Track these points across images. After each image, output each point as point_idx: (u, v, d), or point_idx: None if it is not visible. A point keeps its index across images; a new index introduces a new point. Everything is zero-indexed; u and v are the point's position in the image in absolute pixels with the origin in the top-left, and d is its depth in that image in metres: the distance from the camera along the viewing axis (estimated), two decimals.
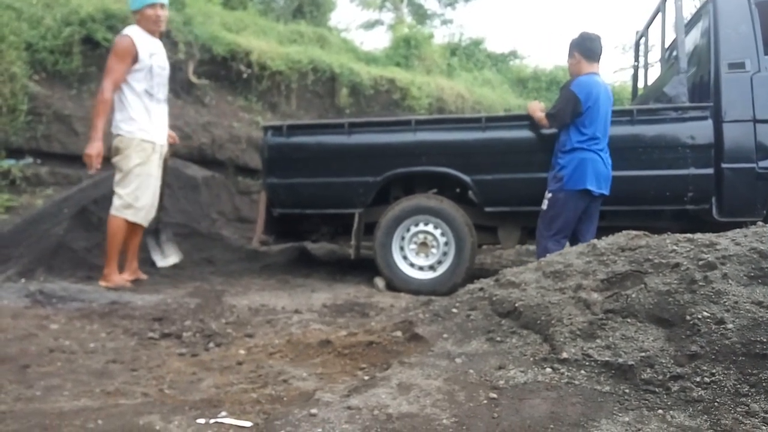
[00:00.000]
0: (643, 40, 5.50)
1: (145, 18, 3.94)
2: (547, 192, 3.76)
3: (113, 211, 3.88)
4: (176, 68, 6.14)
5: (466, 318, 2.23)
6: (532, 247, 5.98)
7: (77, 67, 6.38)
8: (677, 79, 4.13)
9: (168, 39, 6.68)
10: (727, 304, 1.71)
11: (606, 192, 3.72)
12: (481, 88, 10.93)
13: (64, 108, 6.14)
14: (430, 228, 4.26)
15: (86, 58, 6.46)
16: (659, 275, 1.92)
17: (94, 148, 3.74)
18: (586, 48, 3.82)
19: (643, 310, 1.82)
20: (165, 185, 4.37)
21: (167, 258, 4.45)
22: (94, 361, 2.28)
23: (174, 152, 4.28)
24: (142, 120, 3.92)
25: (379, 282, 4.33)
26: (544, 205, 3.76)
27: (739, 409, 1.47)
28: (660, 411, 1.52)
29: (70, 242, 4.24)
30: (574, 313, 1.93)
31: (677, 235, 2.19)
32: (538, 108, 3.97)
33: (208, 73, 7.50)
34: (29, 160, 6.01)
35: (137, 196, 3.91)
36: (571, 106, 3.68)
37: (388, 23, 17.89)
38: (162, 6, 3.97)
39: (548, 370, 1.76)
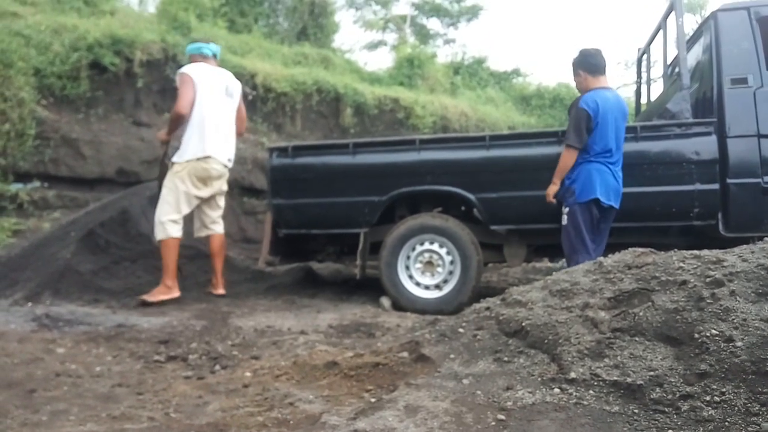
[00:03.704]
0: (645, 56, 5.52)
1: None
2: (564, 207, 3.76)
3: (222, 230, 4.54)
4: None
5: (472, 338, 2.21)
6: (539, 265, 5.99)
7: (85, 92, 6.46)
8: (680, 96, 4.13)
9: (174, 63, 6.76)
10: (735, 321, 1.70)
11: (616, 205, 3.70)
12: (484, 106, 10.97)
13: (71, 132, 6.21)
14: (435, 247, 4.25)
15: (93, 83, 6.54)
16: (666, 293, 1.91)
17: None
18: (589, 64, 3.83)
19: (650, 329, 1.81)
20: None
21: None
22: (100, 385, 2.27)
23: None
24: None
25: (385, 302, 4.31)
26: (564, 221, 3.74)
27: (750, 429, 1.45)
28: (670, 431, 1.50)
29: (77, 265, 4.25)
30: (581, 332, 1.92)
31: (684, 251, 2.17)
32: (552, 191, 3.79)
33: None
34: (37, 183, 6.06)
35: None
36: (584, 123, 3.66)
37: (391, 44, 18.06)
38: None
39: (556, 390, 1.74)
